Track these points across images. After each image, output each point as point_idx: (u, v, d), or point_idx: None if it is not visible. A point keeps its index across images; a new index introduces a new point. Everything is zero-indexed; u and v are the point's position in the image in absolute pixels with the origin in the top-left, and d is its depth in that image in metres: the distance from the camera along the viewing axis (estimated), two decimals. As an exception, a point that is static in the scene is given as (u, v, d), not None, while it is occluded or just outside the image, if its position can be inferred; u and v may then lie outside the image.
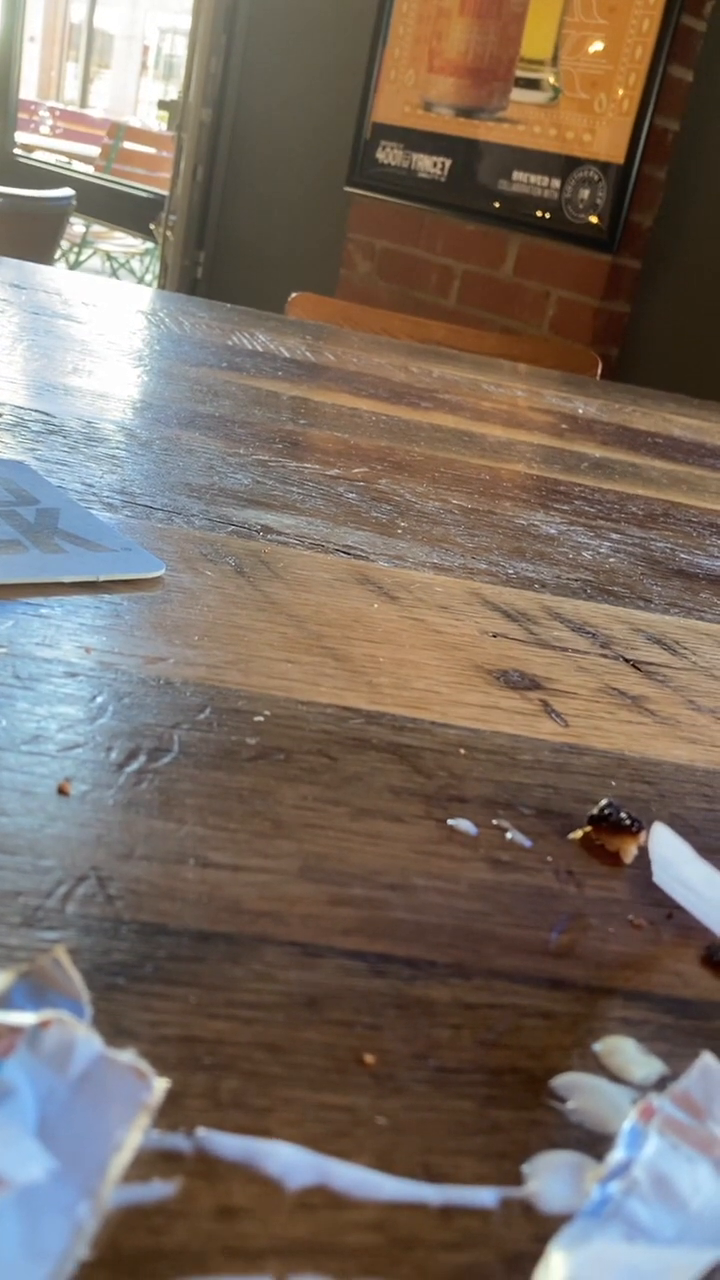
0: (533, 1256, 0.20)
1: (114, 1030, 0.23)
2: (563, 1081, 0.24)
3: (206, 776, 0.32)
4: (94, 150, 6.54)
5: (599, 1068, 0.25)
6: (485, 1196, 0.21)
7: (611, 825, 0.33)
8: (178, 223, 3.36)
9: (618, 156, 2.27)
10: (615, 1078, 0.25)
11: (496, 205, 2.50)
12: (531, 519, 0.66)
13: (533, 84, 2.42)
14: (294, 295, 1.48)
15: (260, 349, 0.98)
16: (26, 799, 0.29)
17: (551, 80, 2.38)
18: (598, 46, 2.29)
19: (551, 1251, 0.20)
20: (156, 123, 7.85)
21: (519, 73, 2.44)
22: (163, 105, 3.95)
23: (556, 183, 2.39)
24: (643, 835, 0.33)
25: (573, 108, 2.35)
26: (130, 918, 0.26)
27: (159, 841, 0.29)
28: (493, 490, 0.70)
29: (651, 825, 0.32)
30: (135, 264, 5.56)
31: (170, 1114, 0.21)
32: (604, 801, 0.34)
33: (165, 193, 3.79)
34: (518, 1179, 0.22)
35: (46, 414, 0.63)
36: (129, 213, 4.50)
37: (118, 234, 5.15)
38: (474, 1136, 0.22)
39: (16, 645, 0.37)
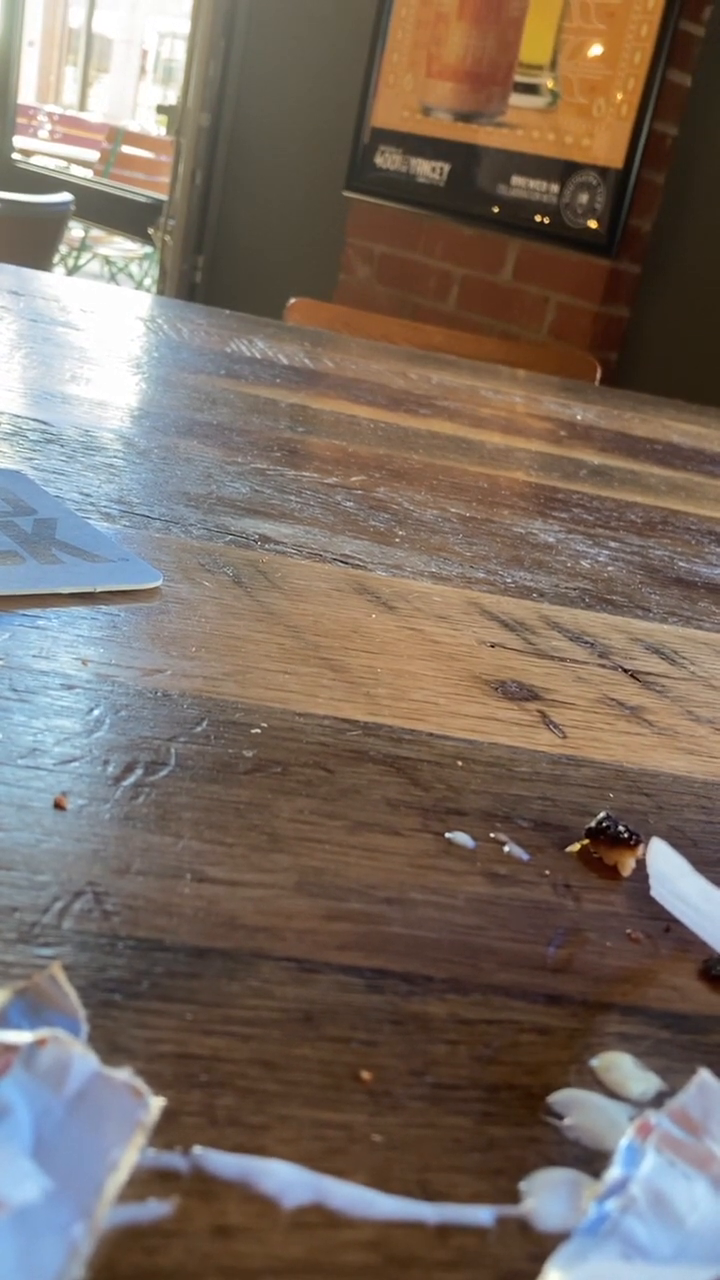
0: (529, 1275, 0.20)
1: (110, 1047, 0.23)
2: (560, 1098, 0.24)
3: (203, 790, 0.32)
4: (93, 155, 6.55)
5: (596, 1084, 0.25)
6: (482, 1215, 0.21)
7: (609, 838, 0.33)
8: (176, 227, 3.37)
9: (616, 161, 2.27)
10: (612, 1094, 0.25)
11: (495, 210, 2.50)
12: (530, 527, 0.66)
13: (531, 89, 2.42)
14: (292, 300, 1.49)
15: (259, 356, 0.98)
16: (23, 813, 0.29)
17: (550, 85, 2.38)
18: (596, 51, 2.29)
19: (548, 1270, 0.20)
20: (155, 127, 7.86)
21: (517, 77, 2.45)
22: (161, 110, 3.96)
23: (555, 187, 2.39)
24: (640, 848, 0.33)
25: (571, 112, 2.35)
26: (127, 933, 0.26)
27: (155, 856, 0.29)
28: (491, 498, 0.70)
29: (649, 839, 0.32)
30: (134, 268, 5.56)
31: (166, 1132, 0.21)
32: (602, 814, 0.34)
33: (164, 197, 3.79)
34: (514, 1196, 0.22)
35: (44, 423, 0.63)
36: (128, 217, 4.50)
37: (116, 238, 5.15)
38: (470, 1154, 0.22)
39: (13, 657, 0.37)
